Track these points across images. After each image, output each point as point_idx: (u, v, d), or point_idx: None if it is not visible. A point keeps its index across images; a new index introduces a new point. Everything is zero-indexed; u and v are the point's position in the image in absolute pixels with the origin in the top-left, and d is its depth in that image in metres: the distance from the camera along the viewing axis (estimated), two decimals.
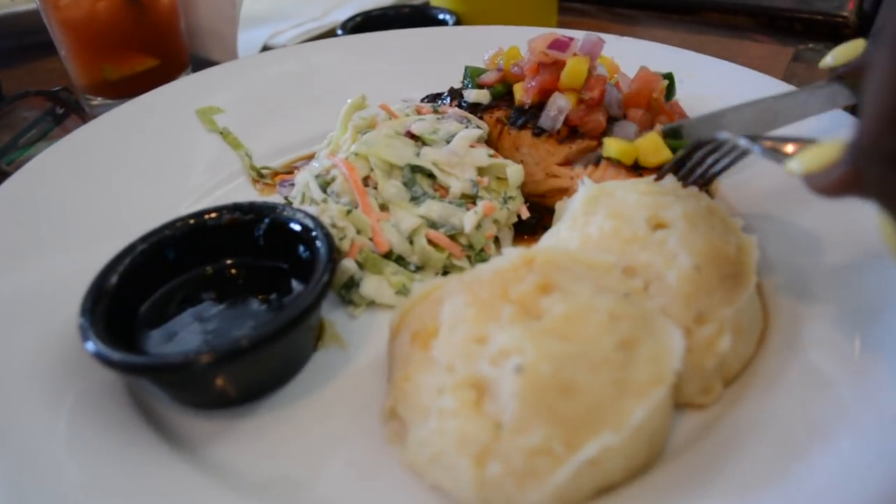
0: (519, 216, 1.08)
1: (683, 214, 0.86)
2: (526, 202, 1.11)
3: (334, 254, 0.87)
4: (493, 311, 0.76)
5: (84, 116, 1.50)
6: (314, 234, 0.90)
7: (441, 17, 1.74)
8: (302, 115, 1.35)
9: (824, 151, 0.68)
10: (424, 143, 1.08)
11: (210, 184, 1.22)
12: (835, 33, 1.86)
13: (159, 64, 1.59)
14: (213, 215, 0.95)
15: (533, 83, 1.11)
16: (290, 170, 1.26)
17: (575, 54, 1.09)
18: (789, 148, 0.78)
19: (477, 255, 1.02)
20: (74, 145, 1.19)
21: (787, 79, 1.62)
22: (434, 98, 1.25)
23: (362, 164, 1.04)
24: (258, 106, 1.36)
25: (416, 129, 1.08)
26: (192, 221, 0.95)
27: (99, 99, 1.58)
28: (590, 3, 2.12)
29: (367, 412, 0.83)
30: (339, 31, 1.70)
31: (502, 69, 1.18)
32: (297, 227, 0.92)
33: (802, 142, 0.78)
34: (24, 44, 1.89)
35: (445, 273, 1.01)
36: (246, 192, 1.22)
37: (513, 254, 0.83)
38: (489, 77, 1.19)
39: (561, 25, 1.87)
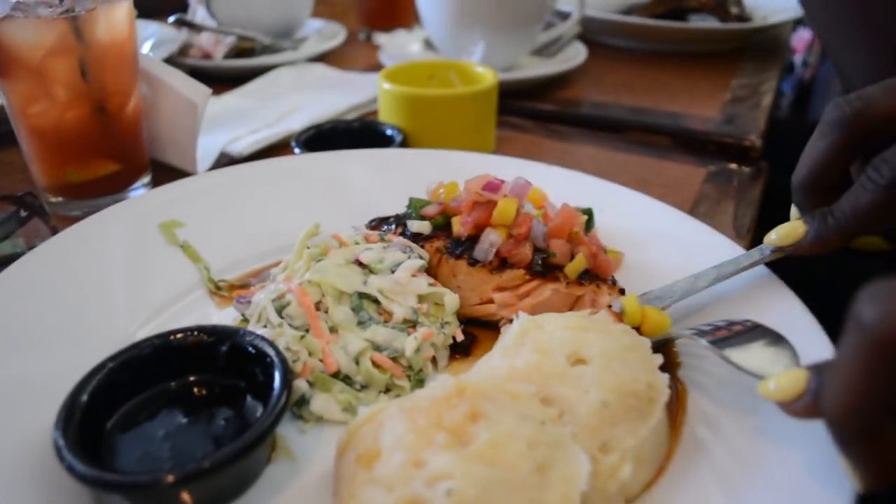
0: (454, 338, 1.21)
1: (601, 352, 0.99)
2: (462, 324, 1.23)
3: (289, 378, 0.98)
4: (428, 437, 0.87)
5: (47, 221, 1.58)
6: (271, 359, 1.01)
7: (388, 132, 1.87)
8: (257, 231, 1.47)
9: (793, 379, 0.81)
10: (371, 272, 1.21)
11: (170, 295, 1.30)
12: (743, 155, 2.09)
13: (121, 168, 1.68)
14: (179, 336, 1.05)
15: (469, 218, 1.25)
16: (245, 283, 1.36)
17: (505, 195, 1.24)
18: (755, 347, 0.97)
19: (416, 374, 1.14)
20: (39, 260, 1.26)
21: (698, 199, 1.82)
22: (380, 223, 1.38)
23: (315, 291, 1.15)
24: (216, 221, 1.47)
25: (364, 259, 1.21)
26: (157, 341, 1.04)
27: (60, 198, 1.66)
28: (526, 118, 2.31)
29: None
30: (293, 143, 1.82)
31: (443, 203, 1.32)
32: (255, 351, 1.03)
33: (768, 337, 0.97)
34: None
35: (388, 391, 1.12)
36: (204, 305, 1.31)
37: (448, 383, 0.95)
38: (430, 210, 1.33)
39: (499, 139, 2.05)
